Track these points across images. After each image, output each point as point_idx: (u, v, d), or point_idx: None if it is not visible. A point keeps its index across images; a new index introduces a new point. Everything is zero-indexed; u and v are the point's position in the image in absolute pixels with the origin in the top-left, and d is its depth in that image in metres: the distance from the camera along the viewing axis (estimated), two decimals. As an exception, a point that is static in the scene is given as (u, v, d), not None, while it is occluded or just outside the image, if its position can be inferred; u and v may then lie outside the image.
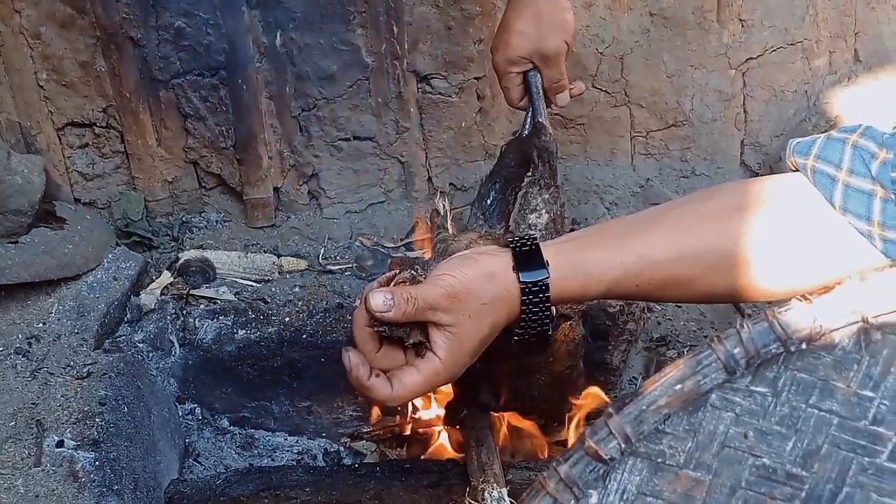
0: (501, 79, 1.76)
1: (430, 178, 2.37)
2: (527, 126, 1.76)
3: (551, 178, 1.59)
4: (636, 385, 2.08)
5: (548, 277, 1.07)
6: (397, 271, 1.13)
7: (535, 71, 1.72)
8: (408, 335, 1.08)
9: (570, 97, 1.78)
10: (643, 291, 1.10)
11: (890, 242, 0.97)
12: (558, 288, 1.08)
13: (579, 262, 1.09)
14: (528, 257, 1.09)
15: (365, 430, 2.09)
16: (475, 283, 1.07)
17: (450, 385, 1.69)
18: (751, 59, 2.35)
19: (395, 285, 1.10)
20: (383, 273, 2.16)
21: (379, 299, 1.04)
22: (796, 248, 1.04)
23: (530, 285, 1.07)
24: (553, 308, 1.11)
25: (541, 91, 1.73)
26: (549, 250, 1.10)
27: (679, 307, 2.16)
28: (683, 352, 2.02)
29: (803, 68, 2.38)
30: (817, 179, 1.02)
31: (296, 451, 2.07)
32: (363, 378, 1.08)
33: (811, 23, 2.33)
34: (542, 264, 1.08)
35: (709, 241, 1.07)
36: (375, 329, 1.07)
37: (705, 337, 2.08)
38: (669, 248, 1.08)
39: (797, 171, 1.06)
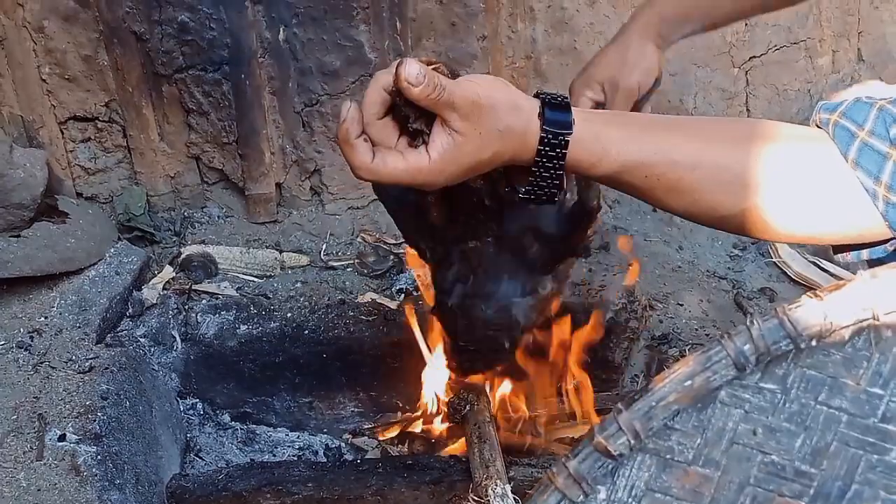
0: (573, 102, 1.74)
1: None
2: None
3: None
4: (638, 383, 2.08)
5: (570, 134, 1.05)
6: (434, 60, 1.09)
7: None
8: (415, 118, 1.05)
9: None
10: (649, 187, 1.09)
11: (891, 205, 0.99)
12: (573, 151, 1.06)
13: (600, 134, 1.07)
14: (556, 109, 1.07)
15: (367, 427, 2.08)
16: (500, 106, 1.05)
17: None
18: (754, 57, 2.35)
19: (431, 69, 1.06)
20: (384, 267, 2.19)
21: (414, 69, 1.00)
22: (806, 190, 1.05)
23: (550, 137, 1.05)
24: (564, 173, 1.09)
25: None
26: (577, 114, 1.08)
27: (681, 305, 2.16)
28: (685, 350, 2.02)
29: (806, 67, 2.38)
30: (837, 133, 1.03)
31: (297, 447, 2.07)
32: (352, 134, 1.04)
33: (814, 22, 2.33)
34: (569, 122, 1.06)
35: (728, 159, 1.07)
36: (392, 94, 1.04)
37: (707, 335, 2.08)
38: (689, 154, 1.08)
39: (820, 128, 1.07)
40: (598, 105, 1.65)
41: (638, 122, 1.13)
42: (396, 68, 1.01)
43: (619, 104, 1.64)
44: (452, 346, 1.61)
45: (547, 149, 1.06)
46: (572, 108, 1.07)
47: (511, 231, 1.41)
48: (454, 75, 1.08)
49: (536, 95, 1.10)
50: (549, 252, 1.45)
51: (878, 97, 1.04)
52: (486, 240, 1.41)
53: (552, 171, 1.08)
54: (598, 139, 1.07)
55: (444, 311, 1.50)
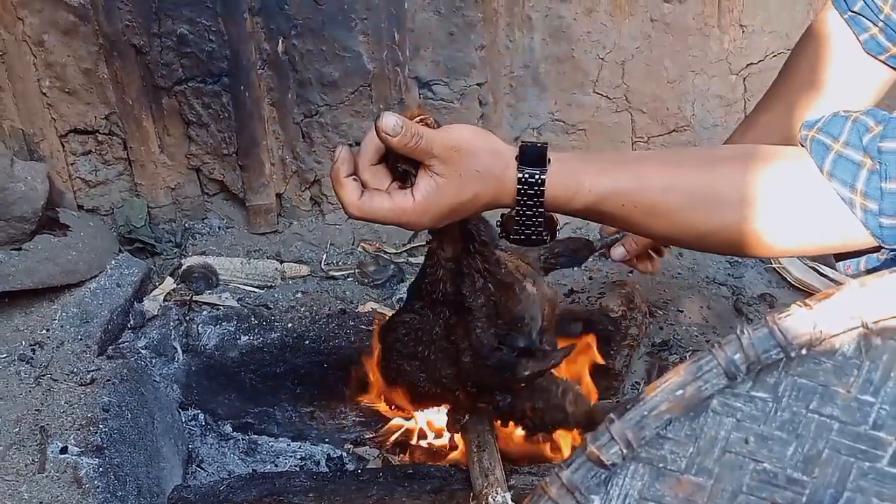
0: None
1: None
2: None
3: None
4: (639, 390, 2.08)
5: (545, 172, 1.11)
6: (416, 111, 1.17)
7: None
8: (403, 160, 1.13)
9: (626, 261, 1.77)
10: (626, 214, 1.14)
11: (869, 213, 1.02)
12: (551, 187, 1.12)
13: (575, 169, 1.14)
14: (532, 151, 1.13)
15: (368, 437, 2.09)
16: (479, 150, 1.12)
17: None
18: (751, 64, 2.35)
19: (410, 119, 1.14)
20: (385, 276, 2.19)
21: (391, 121, 1.08)
22: (782, 203, 1.08)
23: (527, 176, 1.12)
24: (552, 216, 1.17)
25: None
26: (552, 154, 1.14)
27: (681, 311, 2.16)
28: (685, 356, 2.02)
29: (804, 73, 2.38)
30: (814, 147, 1.07)
31: (299, 457, 2.08)
32: (342, 173, 1.13)
33: (812, 28, 2.34)
34: (544, 162, 1.12)
35: (699, 178, 1.12)
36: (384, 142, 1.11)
37: (707, 342, 2.08)
38: (660, 177, 1.13)
39: (803, 145, 1.09)
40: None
41: (611, 156, 1.21)
42: (375, 121, 1.09)
43: (643, 241, 1.69)
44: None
45: (525, 187, 1.12)
46: (548, 149, 1.14)
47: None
48: (439, 126, 1.15)
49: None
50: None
51: (856, 110, 1.06)
52: None
53: (534, 209, 1.14)
54: (573, 174, 1.13)
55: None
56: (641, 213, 1.13)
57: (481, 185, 1.12)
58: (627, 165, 1.16)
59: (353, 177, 1.14)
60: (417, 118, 1.14)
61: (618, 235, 1.72)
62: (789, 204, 1.07)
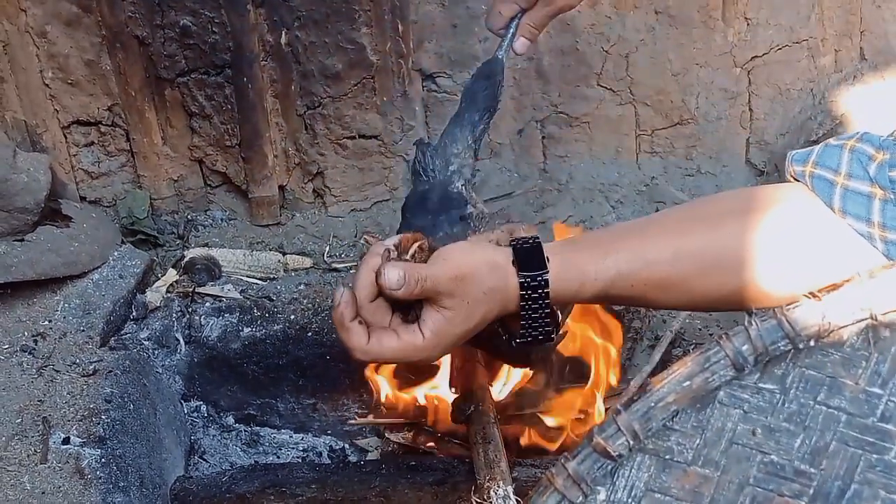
0: (501, 2, 1.71)
1: (435, 177, 2.37)
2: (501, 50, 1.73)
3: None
4: (643, 383, 2.07)
5: (546, 273, 1.08)
6: (408, 235, 1.13)
7: (523, 12, 1.69)
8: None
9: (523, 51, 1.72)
10: (639, 293, 1.10)
11: (891, 244, 0.98)
12: (554, 286, 1.08)
13: (575, 262, 1.10)
14: (528, 254, 1.09)
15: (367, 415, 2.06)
16: (480, 271, 1.08)
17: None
18: (756, 57, 2.34)
19: (410, 256, 1.10)
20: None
21: (393, 277, 1.04)
22: (796, 250, 1.03)
23: (529, 281, 1.08)
24: (555, 311, 1.12)
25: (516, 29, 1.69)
26: (548, 250, 1.10)
27: (684, 305, 2.16)
28: (689, 350, 2.01)
29: (809, 67, 2.37)
30: (816, 184, 1.02)
31: (301, 449, 2.08)
32: (346, 318, 1.08)
33: (816, 21, 2.33)
34: (542, 262, 1.08)
35: (706, 241, 1.08)
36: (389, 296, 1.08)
37: (710, 335, 2.07)
38: (665, 249, 1.08)
39: (797, 181, 1.06)
40: (521, 11, 1.62)
41: (606, 236, 1.16)
42: (377, 278, 1.05)
43: (540, 16, 1.63)
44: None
45: (529, 292, 1.09)
46: (543, 245, 1.10)
47: None
48: (431, 249, 1.12)
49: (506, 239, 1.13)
50: None
51: (848, 137, 1.03)
52: None
53: (540, 312, 1.10)
54: (573, 267, 1.09)
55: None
56: (653, 290, 1.09)
57: (488, 305, 1.09)
58: (628, 241, 1.11)
59: (358, 318, 1.09)
60: (412, 243, 1.11)
61: (509, 29, 1.63)
62: (804, 250, 1.03)
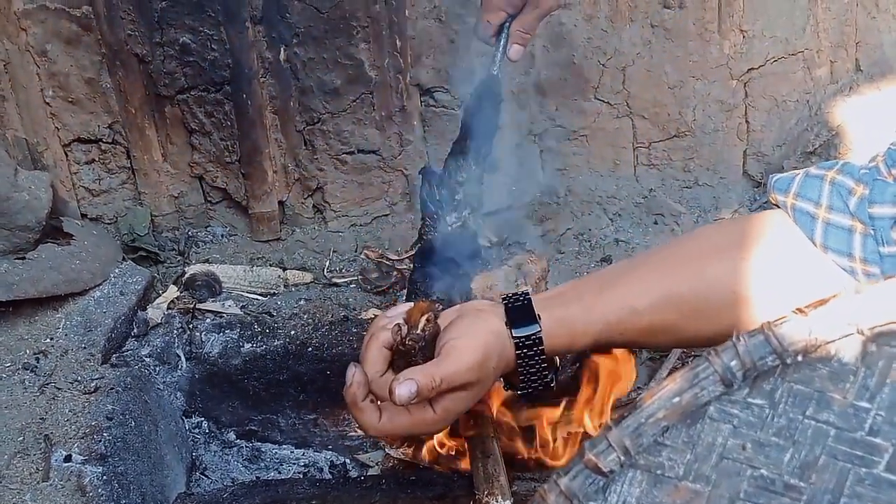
0: (488, 12, 1.72)
1: (434, 191, 2.38)
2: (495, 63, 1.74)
3: None
4: (638, 396, 2.07)
5: (539, 331, 1.10)
6: (413, 308, 1.15)
7: (511, 18, 1.70)
8: (416, 352, 1.11)
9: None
10: (630, 340, 1.13)
11: (872, 277, 1.00)
12: (547, 342, 1.11)
13: (564, 318, 1.12)
14: (519, 313, 1.12)
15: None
16: (490, 347, 1.10)
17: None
18: (752, 69, 2.36)
19: (421, 329, 1.11)
20: (387, 283, 2.19)
21: (405, 393, 1.05)
22: (783, 284, 1.05)
23: (523, 339, 1.11)
24: (553, 358, 1.15)
25: (507, 37, 1.71)
26: (538, 306, 1.13)
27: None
28: (687, 361, 2.02)
29: (804, 78, 2.38)
30: (798, 217, 1.03)
31: (302, 464, 2.08)
32: (358, 398, 1.11)
33: (812, 33, 2.34)
34: (534, 319, 1.11)
35: (689, 284, 1.09)
36: (391, 349, 1.09)
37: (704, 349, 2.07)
38: (649, 296, 1.10)
39: (778, 206, 1.07)
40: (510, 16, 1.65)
41: (592, 286, 1.17)
42: (389, 393, 1.06)
43: (529, 21, 1.66)
44: None
45: (524, 350, 1.12)
46: (532, 301, 1.13)
47: None
48: (439, 307, 1.16)
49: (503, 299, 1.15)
50: None
51: (828, 167, 1.04)
52: None
53: (537, 366, 1.13)
54: (563, 323, 1.12)
55: None
56: (643, 336, 1.12)
57: (495, 374, 1.12)
58: (611, 293, 1.13)
59: (370, 396, 1.12)
60: (419, 316, 1.12)
61: (500, 38, 1.67)
62: (790, 282, 1.05)
